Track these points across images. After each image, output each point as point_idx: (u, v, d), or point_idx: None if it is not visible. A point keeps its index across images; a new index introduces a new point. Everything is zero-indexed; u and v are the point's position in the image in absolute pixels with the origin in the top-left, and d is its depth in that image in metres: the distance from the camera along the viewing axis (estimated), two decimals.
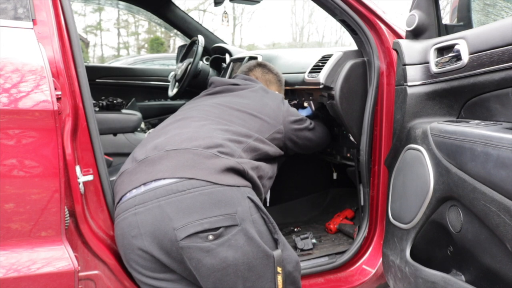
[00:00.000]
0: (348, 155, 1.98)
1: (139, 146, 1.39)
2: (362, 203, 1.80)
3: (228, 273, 1.12)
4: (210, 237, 1.11)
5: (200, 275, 1.13)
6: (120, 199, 1.26)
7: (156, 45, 15.75)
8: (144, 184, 1.20)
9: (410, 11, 1.53)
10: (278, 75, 1.88)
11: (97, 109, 2.58)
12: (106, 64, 7.80)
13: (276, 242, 1.21)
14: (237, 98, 1.54)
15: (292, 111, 1.62)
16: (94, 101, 2.12)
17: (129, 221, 1.18)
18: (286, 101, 1.66)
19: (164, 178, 1.17)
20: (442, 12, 1.54)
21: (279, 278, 1.18)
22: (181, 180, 1.15)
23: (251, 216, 1.17)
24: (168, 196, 1.14)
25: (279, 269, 1.18)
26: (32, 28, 1.15)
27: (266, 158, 1.42)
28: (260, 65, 1.85)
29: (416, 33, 1.52)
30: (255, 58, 2.34)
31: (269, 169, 1.42)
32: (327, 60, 1.77)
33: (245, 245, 1.13)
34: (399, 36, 1.64)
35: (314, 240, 1.99)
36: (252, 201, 1.20)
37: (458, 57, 1.31)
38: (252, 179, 1.27)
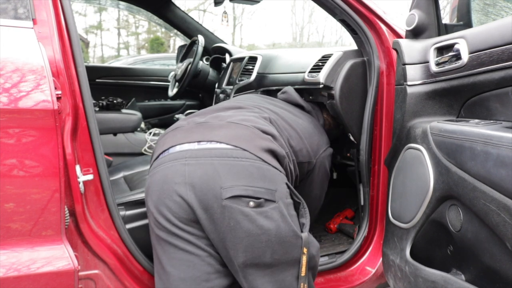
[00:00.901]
0: (348, 154, 1.98)
1: (198, 113, 1.46)
2: (362, 203, 1.80)
3: (261, 240, 1.18)
4: (251, 203, 1.17)
5: (235, 236, 1.17)
6: (167, 149, 1.28)
7: (156, 45, 15.75)
8: (199, 142, 1.24)
9: (410, 10, 1.53)
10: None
11: (97, 109, 2.58)
12: (106, 64, 7.80)
13: (302, 226, 1.28)
14: (293, 116, 1.61)
15: (329, 163, 1.67)
16: (94, 101, 2.13)
17: (176, 168, 1.20)
18: (331, 150, 1.70)
19: (220, 142, 1.23)
20: (442, 11, 1.54)
21: (304, 258, 1.24)
22: (236, 148, 1.22)
23: (286, 199, 1.25)
24: (222, 158, 1.20)
25: (305, 250, 1.24)
26: (32, 28, 1.15)
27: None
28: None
29: (416, 33, 1.52)
30: (255, 58, 2.34)
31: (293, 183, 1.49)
32: (327, 59, 1.77)
33: (279, 220, 1.20)
34: (399, 36, 1.65)
35: None
36: (288, 187, 1.28)
37: (458, 57, 1.31)
38: (287, 171, 1.37)
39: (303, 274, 1.24)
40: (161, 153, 1.29)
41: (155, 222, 1.24)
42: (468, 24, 1.50)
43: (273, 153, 1.28)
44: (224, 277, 1.24)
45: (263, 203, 1.18)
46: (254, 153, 1.22)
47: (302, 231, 1.26)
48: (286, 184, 1.27)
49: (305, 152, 1.52)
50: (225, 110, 1.45)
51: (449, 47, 1.36)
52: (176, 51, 3.31)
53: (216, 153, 1.20)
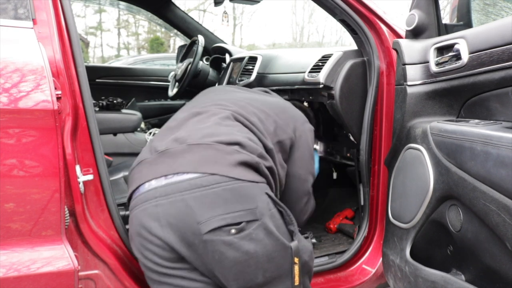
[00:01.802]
0: (348, 155, 1.98)
1: (157, 137, 1.39)
2: (362, 203, 1.80)
3: (250, 264, 1.15)
4: (233, 231, 1.14)
5: (222, 267, 1.15)
6: (137, 188, 1.25)
7: (156, 45, 15.75)
8: (165, 176, 1.21)
9: (410, 10, 1.53)
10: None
11: (97, 109, 2.58)
12: (106, 64, 7.80)
13: (291, 233, 1.25)
14: (259, 96, 1.54)
15: (312, 140, 1.57)
16: (94, 101, 2.12)
17: (149, 212, 1.18)
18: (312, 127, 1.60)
19: (186, 173, 1.19)
20: (442, 11, 1.54)
21: (296, 268, 1.22)
22: (204, 175, 1.17)
23: (270, 211, 1.20)
24: (192, 190, 1.16)
25: (296, 260, 1.22)
26: (32, 28, 1.15)
27: (278, 163, 1.43)
28: None
29: (416, 33, 1.52)
30: (255, 58, 2.34)
31: (282, 173, 1.43)
32: (327, 60, 1.77)
33: (265, 239, 1.17)
34: (399, 36, 1.64)
35: (314, 240, 1.99)
36: (270, 196, 1.23)
37: (458, 57, 1.31)
38: (267, 177, 1.30)
39: (296, 283, 1.22)
40: (134, 192, 1.26)
41: (144, 266, 1.23)
42: (468, 24, 1.50)
43: (244, 164, 1.22)
44: None
45: (245, 226, 1.14)
46: (224, 174, 1.17)
47: (292, 239, 1.23)
48: (266, 193, 1.22)
49: (282, 129, 1.44)
50: (183, 124, 1.37)
51: (449, 47, 1.36)
52: (176, 51, 3.31)
53: (185, 186, 1.16)
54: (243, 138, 1.29)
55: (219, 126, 1.32)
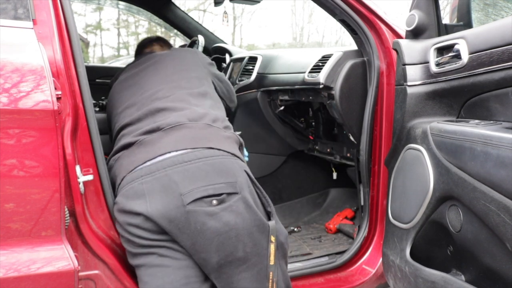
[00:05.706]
0: (348, 155, 1.98)
1: (125, 134, 1.39)
2: (362, 203, 1.80)
3: (230, 236, 1.19)
4: (214, 202, 1.19)
5: (204, 238, 1.18)
6: (123, 178, 1.28)
7: None
8: (149, 160, 1.25)
9: (410, 11, 1.53)
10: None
11: (97, 109, 2.57)
12: (106, 64, 7.79)
13: (269, 214, 1.29)
14: (170, 61, 1.60)
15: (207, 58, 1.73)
16: (94, 101, 2.12)
17: (135, 189, 1.21)
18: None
19: (168, 152, 1.24)
20: (442, 12, 1.54)
21: (272, 247, 1.25)
22: (185, 152, 1.23)
23: (249, 188, 1.26)
24: (174, 166, 1.21)
25: (272, 238, 1.26)
26: (32, 28, 1.15)
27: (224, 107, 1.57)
28: (158, 39, 1.93)
29: (416, 33, 1.52)
30: (255, 58, 2.34)
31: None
32: (327, 60, 1.77)
33: (245, 212, 1.21)
34: (399, 36, 1.65)
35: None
36: (248, 174, 1.28)
37: (458, 57, 1.31)
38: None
39: (271, 263, 1.25)
40: (122, 179, 1.28)
41: (127, 241, 1.25)
42: (468, 24, 1.50)
43: (224, 136, 1.31)
44: (204, 282, 1.24)
45: (226, 198, 1.20)
46: (203, 146, 1.24)
47: (269, 219, 1.27)
48: (245, 171, 1.27)
49: (202, 73, 1.58)
50: (145, 119, 1.38)
51: (449, 48, 1.36)
52: None
53: (168, 163, 1.22)
54: (208, 109, 1.39)
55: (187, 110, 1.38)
